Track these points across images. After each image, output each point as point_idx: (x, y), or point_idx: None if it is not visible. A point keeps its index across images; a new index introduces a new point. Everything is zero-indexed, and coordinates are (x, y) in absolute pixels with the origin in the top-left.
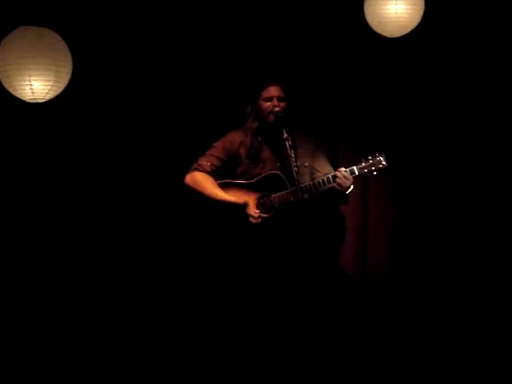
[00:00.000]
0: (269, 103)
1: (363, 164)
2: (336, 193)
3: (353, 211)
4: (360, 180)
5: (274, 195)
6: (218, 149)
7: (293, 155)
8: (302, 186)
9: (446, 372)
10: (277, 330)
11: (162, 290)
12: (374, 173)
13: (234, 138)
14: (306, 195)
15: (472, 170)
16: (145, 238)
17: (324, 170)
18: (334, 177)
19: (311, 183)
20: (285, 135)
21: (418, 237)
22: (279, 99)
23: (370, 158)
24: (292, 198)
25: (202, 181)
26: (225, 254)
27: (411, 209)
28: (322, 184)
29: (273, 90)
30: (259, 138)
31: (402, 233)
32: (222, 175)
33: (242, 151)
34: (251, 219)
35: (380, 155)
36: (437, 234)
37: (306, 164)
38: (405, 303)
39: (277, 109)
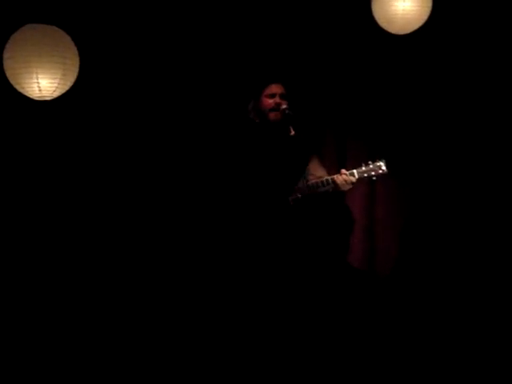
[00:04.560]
0: (271, 100)
1: (363, 168)
2: (333, 192)
3: (361, 207)
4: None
5: None
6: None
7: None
8: (309, 183)
9: (454, 367)
10: (284, 324)
11: (165, 287)
12: (374, 178)
13: (236, 136)
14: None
15: (481, 170)
16: (149, 235)
17: (318, 174)
18: (334, 179)
19: (314, 182)
20: (292, 132)
21: (426, 232)
22: (281, 96)
23: (370, 162)
24: (299, 195)
25: None
26: (231, 250)
27: (419, 205)
28: (321, 184)
29: (275, 88)
30: (260, 136)
31: (410, 228)
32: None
33: (243, 149)
34: None
35: (380, 160)
36: (444, 230)
37: None
38: (413, 298)
39: (284, 106)
